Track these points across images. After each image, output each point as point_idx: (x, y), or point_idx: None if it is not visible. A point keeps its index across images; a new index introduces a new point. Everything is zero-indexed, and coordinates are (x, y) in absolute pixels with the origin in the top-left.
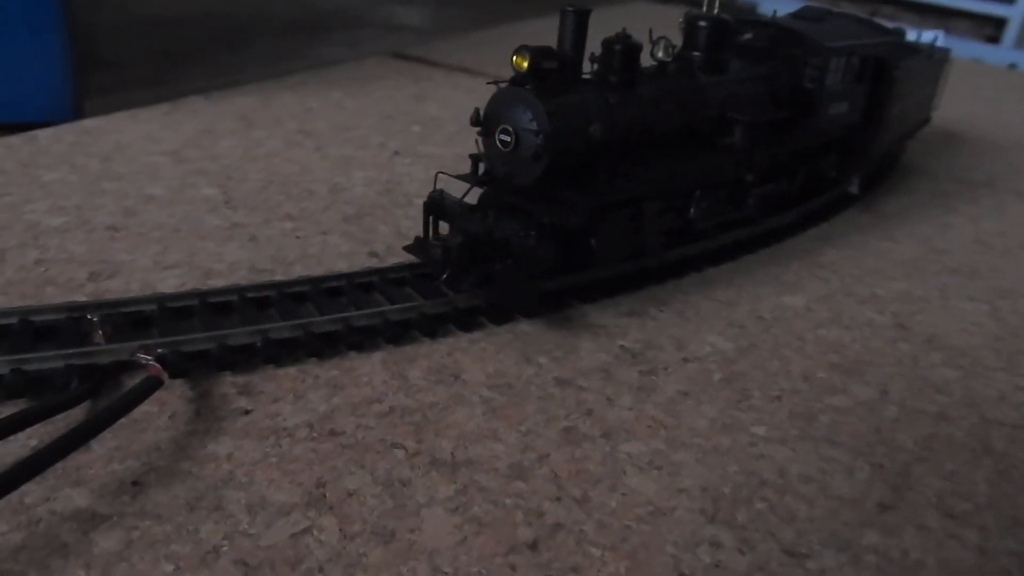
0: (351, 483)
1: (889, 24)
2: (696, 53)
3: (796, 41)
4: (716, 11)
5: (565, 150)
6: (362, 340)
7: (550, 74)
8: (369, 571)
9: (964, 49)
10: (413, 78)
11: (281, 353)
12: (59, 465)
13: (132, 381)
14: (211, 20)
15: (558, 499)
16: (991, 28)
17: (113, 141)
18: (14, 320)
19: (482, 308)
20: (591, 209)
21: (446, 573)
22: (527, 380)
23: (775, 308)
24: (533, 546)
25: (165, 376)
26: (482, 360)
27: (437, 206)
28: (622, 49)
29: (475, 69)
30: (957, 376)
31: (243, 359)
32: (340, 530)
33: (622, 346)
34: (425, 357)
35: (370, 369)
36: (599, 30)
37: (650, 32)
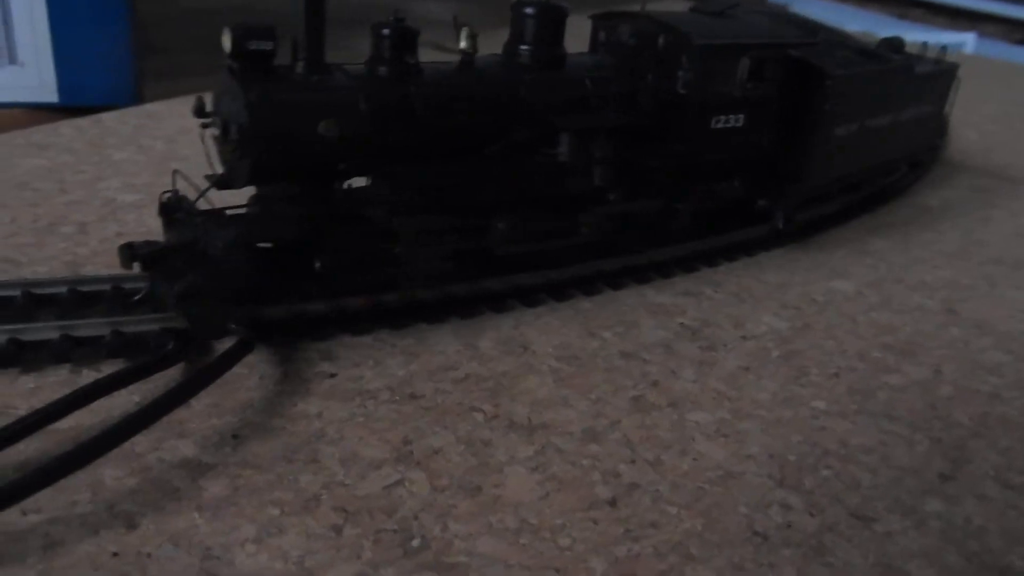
0: (435, 442)
1: (920, 29)
2: (523, 47)
3: (671, 37)
4: None
5: (281, 149)
6: (434, 312)
7: (265, 57)
8: (460, 520)
9: (996, 51)
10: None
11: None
12: (163, 419)
13: (220, 345)
14: (251, 11)
15: (632, 461)
16: (1022, 32)
17: (176, 125)
18: (107, 287)
19: (542, 286)
20: (300, 219)
21: (532, 524)
22: (592, 352)
23: (826, 292)
24: (612, 503)
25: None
26: (547, 333)
27: (171, 209)
28: (392, 35)
29: None
30: (1008, 360)
31: (323, 328)
32: (429, 483)
33: (681, 323)
34: (493, 329)
35: (442, 339)
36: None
37: (454, 19)
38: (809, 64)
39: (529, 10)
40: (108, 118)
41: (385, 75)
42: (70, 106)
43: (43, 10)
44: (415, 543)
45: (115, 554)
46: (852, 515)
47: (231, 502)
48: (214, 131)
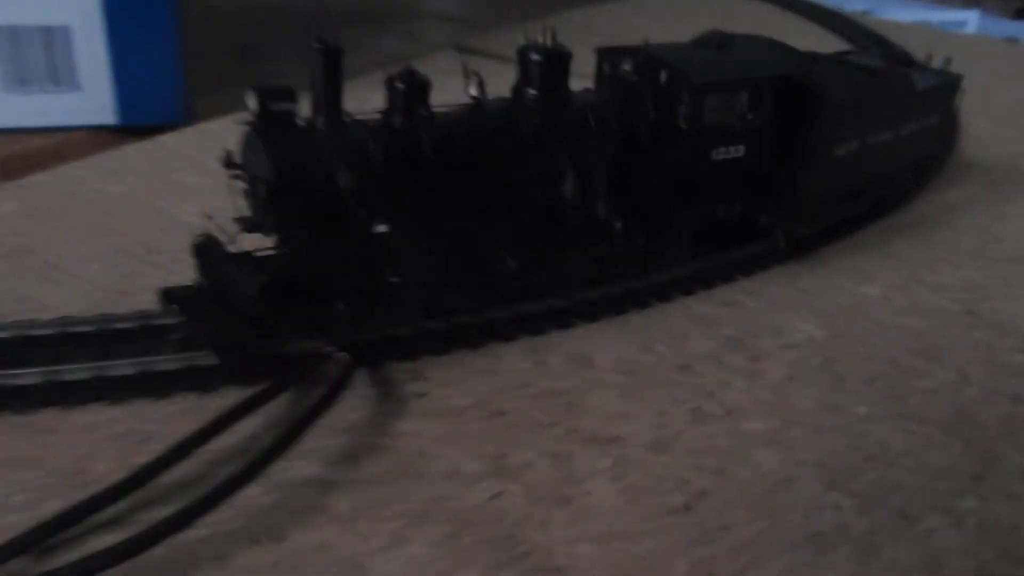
0: (524, 456)
1: (922, 8)
2: (530, 90)
3: (672, 75)
4: (553, 42)
5: (304, 201)
6: (506, 332)
7: (287, 116)
8: (557, 528)
9: (999, 28)
10: (484, 73)
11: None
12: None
13: (319, 369)
14: (273, 13)
15: (699, 469)
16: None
17: (232, 144)
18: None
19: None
20: (322, 264)
21: (619, 530)
22: (650, 366)
23: (855, 296)
24: (686, 508)
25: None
26: (607, 348)
27: (204, 252)
28: (405, 88)
29: None
30: None
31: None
32: (525, 494)
33: (727, 335)
34: (559, 345)
35: (515, 357)
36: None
37: (464, 67)
38: (807, 89)
39: (535, 56)
40: (168, 140)
41: (398, 125)
42: (126, 126)
43: (102, 37)
44: (521, 549)
45: (275, 563)
46: (897, 515)
47: (358, 515)
48: (242, 184)
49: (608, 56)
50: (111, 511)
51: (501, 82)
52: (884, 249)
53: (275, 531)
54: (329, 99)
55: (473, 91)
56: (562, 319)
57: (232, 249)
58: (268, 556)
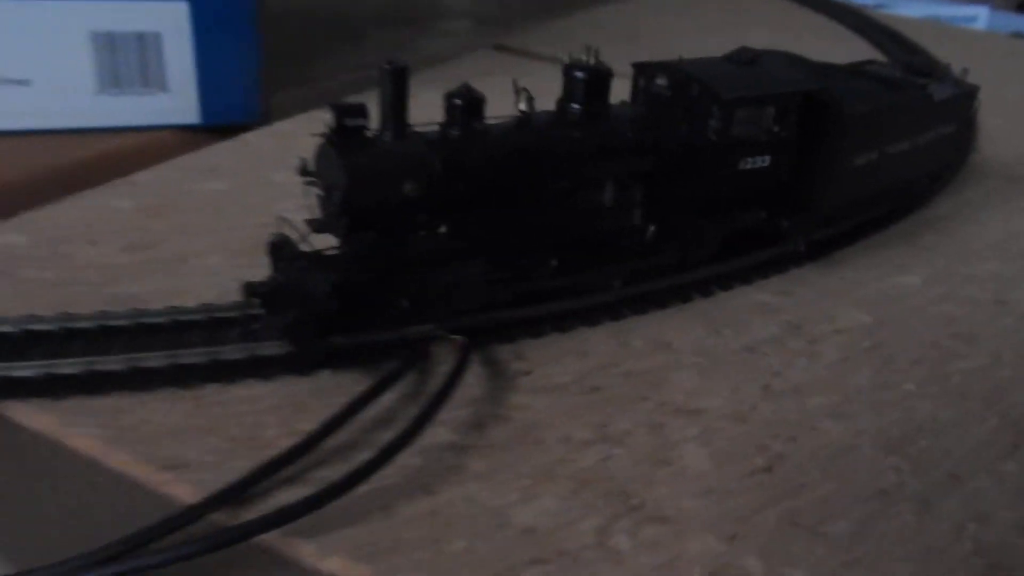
0: (623, 425)
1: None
2: (573, 105)
3: (702, 90)
4: (596, 60)
5: (371, 207)
6: (594, 316)
7: (359, 131)
8: (661, 485)
9: (1008, 23)
10: (523, 72)
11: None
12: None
13: (436, 350)
14: (315, 14)
15: (775, 436)
16: None
17: (308, 144)
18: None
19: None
20: (388, 263)
21: (714, 487)
22: (721, 348)
23: (895, 287)
24: (768, 469)
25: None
26: (681, 332)
27: (278, 250)
28: (462, 104)
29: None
30: None
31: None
32: (630, 457)
33: (787, 321)
34: (638, 329)
35: (601, 340)
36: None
37: (514, 83)
38: (829, 104)
39: (578, 73)
40: (251, 139)
41: (455, 137)
42: (208, 126)
43: (189, 43)
44: (634, 502)
45: (432, 512)
46: (948, 476)
47: (493, 474)
48: (316, 191)
49: (644, 71)
50: (287, 471)
51: (537, 80)
52: (918, 243)
53: (427, 487)
54: (395, 114)
55: (522, 106)
56: (638, 306)
57: (303, 248)
58: (425, 507)
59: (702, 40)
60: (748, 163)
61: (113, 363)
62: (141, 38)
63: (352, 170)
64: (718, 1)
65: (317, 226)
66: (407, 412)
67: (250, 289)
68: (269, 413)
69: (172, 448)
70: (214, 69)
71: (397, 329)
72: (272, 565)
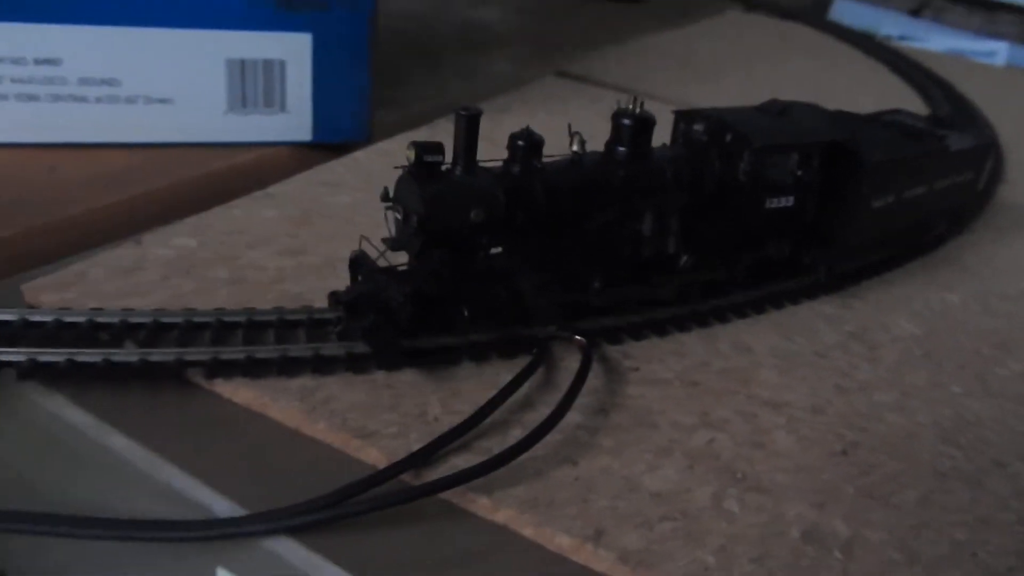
0: (721, 414)
1: (949, 33)
2: (620, 147)
3: (735, 136)
4: (640, 109)
5: (443, 230)
6: (686, 323)
7: (436, 165)
8: (759, 463)
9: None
10: (584, 98)
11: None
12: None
13: (557, 348)
14: (394, 41)
15: (848, 426)
16: None
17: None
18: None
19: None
20: (455, 278)
21: (802, 465)
22: (795, 352)
23: (940, 303)
24: (844, 453)
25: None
26: (759, 338)
27: (357, 264)
28: (523, 145)
29: (639, 90)
30: None
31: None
32: (731, 440)
33: (848, 331)
34: (722, 336)
35: (693, 344)
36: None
37: (569, 127)
38: (850, 152)
39: (625, 121)
40: (361, 156)
41: (517, 173)
42: (317, 143)
43: (308, 69)
44: (739, 475)
45: (576, 478)
46: (993, 462)
47: (621, 450)
48: (396, 215)
49: (683, 117)
50: (456, 443)
51: (598, 107)
52: (957, 266)
53: (570, 458)
54: (467, 152)
55: (575, 147)
56: (722, 314)
57: (380, 263)
58: (570, 474)
59: (749, 66)
60: (774, 202)
61: (300, 350)
62: (268, 64)
63: (428, 199)
64: (764, 30)
65: (393, 244)
66: (541, 399)
67: (335, 297)
68: (431, 395)
69: (359, 421)
70: (328, 92)
71: (525, 329)
72: (451, 517)
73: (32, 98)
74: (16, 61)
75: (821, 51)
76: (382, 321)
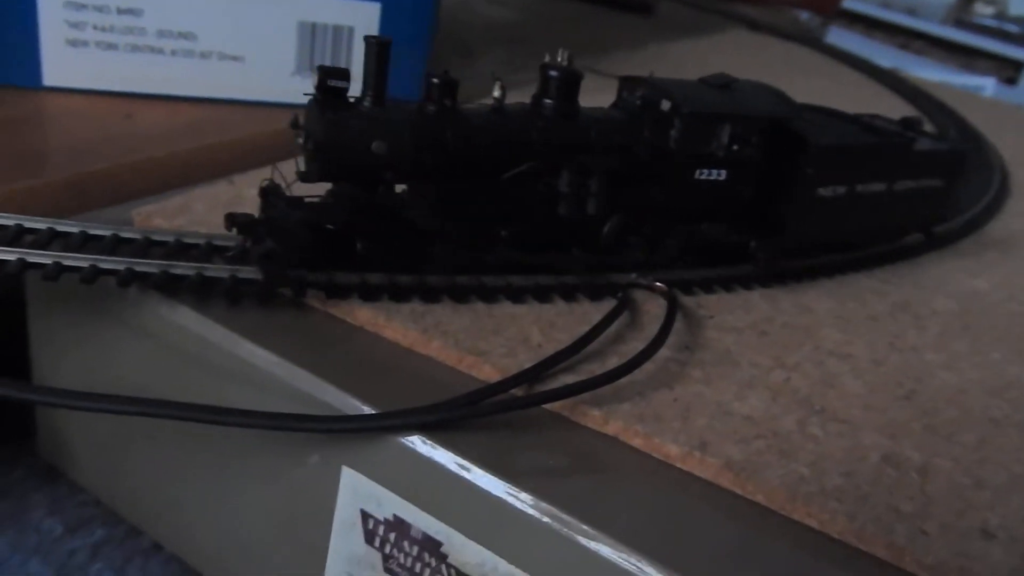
0: (793, 359)
1: (936, 68)
2: (546, 100)
3: (670, 103)
4: (568, 63)
5: (342, 159)
6: (747, 281)
7: (340, 92)
8: (835, 400)
9: (1015, 94)
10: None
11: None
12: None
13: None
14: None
15: (907, 377)
16: (1011, 70)
17: None
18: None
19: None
20: (350, 210)
21: (871, 405)
22: (850, 314)
23: (970, 288)
24: (907, 397)
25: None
26: (817, 301)
27: (267, 193)
28: (438, 84)
29: None
30: None
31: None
32: (806, 380)
33: (893, 302)
34: (783, 297)
35: (755, 302)
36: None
37: (492, 74)
38: (792, 131)
39: (552, 72)
40: None
41: (430, 113)
42: None
43: (375, 33)
44: (817, 408)
45: (674, 400)
46: None
47: (709, 381)
48: (299, 140)
49: (627, 84)
50: (559, 366)
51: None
52: (982, 259)
53: (666, 384)
54: (376, 84)
55: (496, 94)
56: (781, 277)
57: (289, 194)
58: (668, 397)
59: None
60: (704, 174)
61: (405, 280)
62: (337, 30)
63: (327, 124)
64: (770, 50)
65: (300, 176)
66: (629, 336)
67: (231, 220)
68: (531, 325)
69: (470, 342)
70: (395, 67)
71: (616, 277)
72: (566, 427)
73: (111, 47)
74: (100, 8)
75: (825, 72)
76: (278, 248)
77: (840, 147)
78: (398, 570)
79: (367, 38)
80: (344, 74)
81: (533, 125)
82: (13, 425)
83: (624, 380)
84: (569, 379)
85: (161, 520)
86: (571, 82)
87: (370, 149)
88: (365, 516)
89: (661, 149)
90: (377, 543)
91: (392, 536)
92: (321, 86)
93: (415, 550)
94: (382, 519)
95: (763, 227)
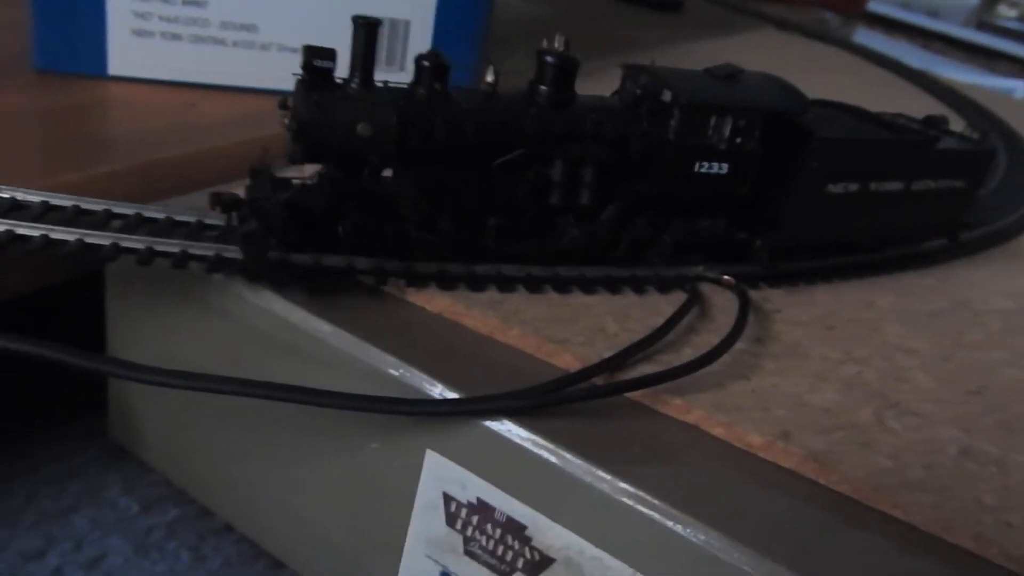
0: (862, 353)
1: (963, 70)
2: (541, 87)
3: (670, 93)
4: (565, 48)
5: (326, 141)
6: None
7: (326, 72)
8: (905, 393)
9: None
10: None
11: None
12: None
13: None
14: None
15: (975, 373)
16: None
17: None
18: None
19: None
20: (334, 193)
21: (941, 398)
22: (912, 311)
23: (1019, 287)
24: (978, 393)
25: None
26: (879, 296)
27: (256, 173)
28: (429, 67)
29: None
30: None
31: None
32: (877, 373)
33: (953, 300)
34: (845, 293)
35: (819, 296)
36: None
37: (487, 60)
38: (800, 126)
39: (548, 59)
40: None
41: (418, 97)
42: None
43: (430, 32)
44: (891, 401)
45: (752, 390)
46: None
47: (783, 372)
48: (285, 121)
49: (630, 73)
50: (638, 356)
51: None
52: (1017, 265)
53: (743, 375)
54: (363, 65)
55: (489, 78)
56: (845, 274)
57: (278, 174)
58: (746, 388)
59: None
60: (704, 167)
61: (483, 269)
62: (394, 24)
63: (311, 105)
64: (799, 49)
65: (287, 157)
66: (701, 328)
67: (214, 199)
68: (605, 315)
69: (548, 331)
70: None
71: (687, 271)
72: (648, 416)
73: (175, 37)
74: (165, 0)
75: (856, 71)
76: (261, 229)
77: (849, 141)
78: (479, 552)
79: (354, 18)
80: (330, 54)
81: (526, 112)
82: (85, 405)
83: (702, 371)
84: (647, 368)
85: (231, 501)
86: (567, 69)
87: (355, 131)
88: (447, 499)
89: (659, 140)
90: (459, 525)
91: (475, 519)
92: (307, 66)
93: (498, 532)
94: (465, 502)
95: (765, 223)
